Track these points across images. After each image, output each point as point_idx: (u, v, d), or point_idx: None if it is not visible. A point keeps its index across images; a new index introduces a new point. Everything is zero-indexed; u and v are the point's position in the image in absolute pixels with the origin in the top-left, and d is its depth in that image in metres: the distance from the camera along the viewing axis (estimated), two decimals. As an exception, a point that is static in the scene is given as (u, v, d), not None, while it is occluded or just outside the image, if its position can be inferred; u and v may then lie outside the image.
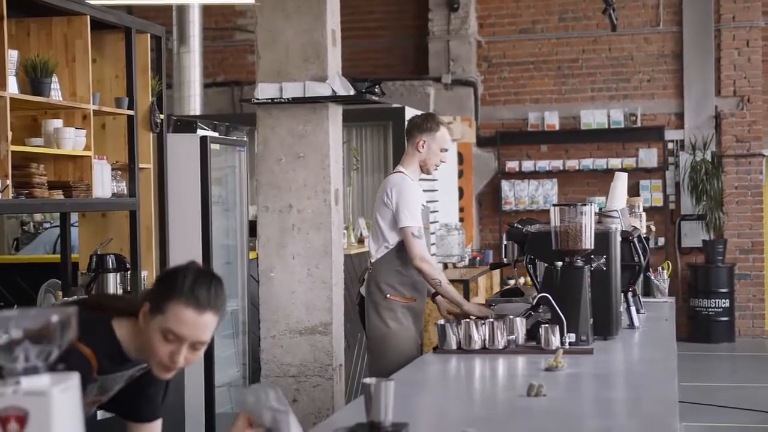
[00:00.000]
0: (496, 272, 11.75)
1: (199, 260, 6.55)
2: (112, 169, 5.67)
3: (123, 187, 5.76)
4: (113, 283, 5.59)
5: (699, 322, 12.79)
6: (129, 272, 5.76)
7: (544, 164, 13.34)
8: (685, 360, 11.14)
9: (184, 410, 6.13)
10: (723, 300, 12.71)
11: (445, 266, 10.55)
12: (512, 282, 12.39)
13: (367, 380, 2.79)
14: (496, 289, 10.71)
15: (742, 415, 8.69)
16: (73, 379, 1.81)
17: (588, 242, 4.51)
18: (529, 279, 12.19)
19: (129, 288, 5.78)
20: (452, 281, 9.19)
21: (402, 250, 5.35)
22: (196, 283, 2.65)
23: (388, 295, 5.37)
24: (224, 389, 6.99)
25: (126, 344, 2.76)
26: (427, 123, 5.52)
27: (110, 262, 5.61)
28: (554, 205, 4.60)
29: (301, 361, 5.92)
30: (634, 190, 12.75)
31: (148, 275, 6.04)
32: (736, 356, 12.20)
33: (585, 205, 4.54)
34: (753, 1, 12.99)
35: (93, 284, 5.57)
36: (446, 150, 5.56)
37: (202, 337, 2.65)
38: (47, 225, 9.22)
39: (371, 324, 5.43)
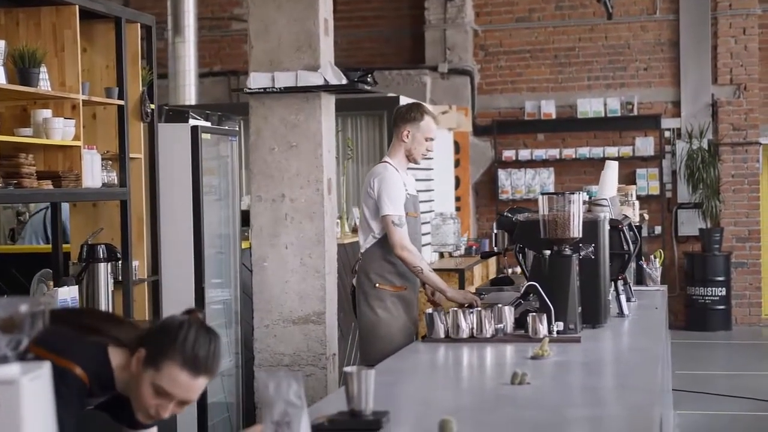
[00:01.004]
0: (492, 261, 11.76)
1: (191, 250, 6.57)
2: (103, 159, 5.67)
3: (114, 177, 5.75)
4: (104, 273, 5.59)
5: (696, 311, 12.80)
6: (120, 262, 5.77)
7: (540, 153, 13.34)
8: (682, 348, 11.17)
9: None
10: (720, 288, 12.71)
11: (441, 255, 10.57)
12: (509, 271, 12.42)
13: (348, 369, 2.80)
14: (492, 278, 10.71)
15: (738, 403, 8.70)
16: (44, 368, 1.82)
17: (576, 231, 4.52)
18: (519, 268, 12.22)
19: (120, 278, 5.78)
20: (447, 270, 9.27)
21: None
22: (196, 343, 2.65)
23: (377, 285, 5.40)
24: (217, 379, 7.00)
25: (117, 375, 2.73)
26: (411, 113, 5.54)
27: (101, 252, 5.61)
28: (542, 194, 4.60)
29: (295, 350, 5.92)
30: (630, 179, 12.75)
31: (139, 265, 6.05)
32: (732, 344, 12.21)
33: (573, 193, 4.55)
34: (750, -11, 12.97)
35: (84, 274, 5.57)
36: (431, 139, 5.56)
37: (193, 398, 2.67)
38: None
39: (361, 313, 5.47)
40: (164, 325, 2.74)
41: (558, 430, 2.91)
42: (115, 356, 2.72)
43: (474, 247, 11.39)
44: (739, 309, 13.04)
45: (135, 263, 5.97)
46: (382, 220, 5.36)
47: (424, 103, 5.79)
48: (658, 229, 13.01)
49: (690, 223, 13.05)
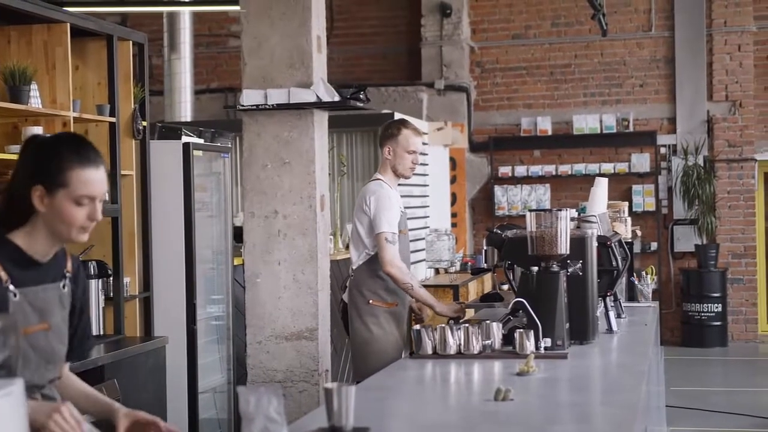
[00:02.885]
0: (488, 277, 11.76)
1: (183, 266, 6.59)
2: (95, 176, 5.68)
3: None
4: (95, 290, 5.60)
5: (692, 327, 12.80)
6: (111, 278, 5.78)
7: (536, 169, 13.36)
8: (678, 364, 11.18)
9: (166, 416, 6.13)
10: (716, 304, 12.71)
11: (437, 271, 10.57)
12: (505, 287, 12.41)
13: (328, 385, 2.81)
14: (483, 294, 10.71)
15: (734, 420, 8.69)
16: (16, 384, 1.83)
17: (563, 247, 4.52)
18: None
19: (111, 294, 5.79)
20: (442, 286, 9.27)
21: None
22: (77, 144, 2.80)
23: (370, 301, 5.45)
24: (209, 395, 7.00)
25: (29, 249, 2.80)
26: (388, 130, 5.68)
27: (92, 268, 5.62)
28: (530, 211, 4.62)
29: (287, 366, 5.93)
30: (626, 195, 12.78)
31: (130, 281, 6.06)
32: (728, 361, 12.20)
33: (561, 210, 4.56)
34: (744, 6, 13.01)
35: (75, 290, 5.58)
36: (413, 152, 5.62)
37: (105, 187, 2.83)
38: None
39: (354, 329, 5.50)
40: (36, 153, 2.80)
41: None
42: (16, 237, 2.79)
43: (470, 263, 11.40)
44: (735, 325, 13.04)
45: (126, 280, 5.99)
46: (376, 237, 5.41)
47: (406, 118, 5.85)
48: (654, 245, 13.02)
49: (686, 239, 13.05)
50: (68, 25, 5.40)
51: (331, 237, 7.36)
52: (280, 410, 2.62)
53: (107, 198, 5.78)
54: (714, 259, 12.77)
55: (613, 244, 5.20)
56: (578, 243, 4.68)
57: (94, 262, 5.64)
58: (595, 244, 4.85)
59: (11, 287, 2.76)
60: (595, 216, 5.28)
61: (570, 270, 4.60)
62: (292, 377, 5.93)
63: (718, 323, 12.75)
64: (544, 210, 4.60)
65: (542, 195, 13.35)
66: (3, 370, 2.25)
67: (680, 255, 13.20)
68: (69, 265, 2.95)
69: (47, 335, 2.84)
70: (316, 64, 6.22)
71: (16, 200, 2.80)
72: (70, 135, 2.90)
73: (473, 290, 10.28)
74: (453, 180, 12.79)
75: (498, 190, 13.43)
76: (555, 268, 4.54)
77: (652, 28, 13.27)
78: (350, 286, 5.58)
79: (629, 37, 13.32)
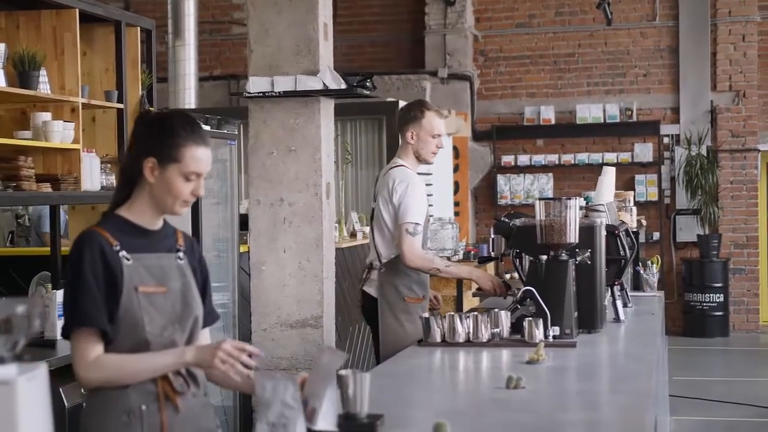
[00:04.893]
0: (491, 266, 11.77)
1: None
2: (102, 162, 5.68)
3: (112, 180, 5.77)
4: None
5: (693, 317, 12.81)
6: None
7: (539, 158, 13.36)
8: (680, 354, 11.19)
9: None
10: (717, 294, 12.73)
11: (440, 260, 10.57)
12: (508, 276, 12.42)
13: (343, 372, 2.81)
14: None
15: (735, 409, 8.71)
16: (40, 368, 1.84)
17: (572, 236, 4.53)
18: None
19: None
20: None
21: None
22: (191, 124, 2.97)
23: (405, 298, 5.26)
24: (214, 382, 7.00)
25: (135, 219, 2.98)
26: (411, 112, 5.41)
27: (100, 254, 5.61)
28: (539, 199, 4.61)
29: (292, 354, 5.93)
30: (629, 185, 12.77)
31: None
32: (730, 351, 12.22)
33: (570, 199, 4.56)
34: (749, -4, 13.00)
35: (83, 277, 5.58)
36: (438, 135, 5.40)
37: (210, 166, 2.99)
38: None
39: (387, 327, 5.29)
40: (154, 127, 2.99)
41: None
42: (123, 211, 2.97)
43: (473, 252, 11.40)
44: (737, 315, 13.06)
45: (134, 266, 5.98)
46: (397, 226, 5.20)
47: (425, 100, 5.67)
48: (656, 235, 13.03)
49: (688, 229, 13.06)
50: (77, 10, 5.39)
51: (336, 225, 7.36)
52: (297, 396, 2.64)
53: (115, 184, 5.78)
54: (716, 249, 12.78)
55: (620, 233, 5.21)
56: (587, 232, 4.68)
57: (101, 249, 5.63)
58: (603, 233, 4.85)
59: (123, 253, 2.91)
60: (603, 205, 5.28)
61: (579, 259, 4.60)
62: (297, 365, 5.94)
63: (720, 313, 12.77)
64: (554, 199, 4.60)
65: (545, 184, 13.35)
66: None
67: (682, 245, 13.20)
68: (181, 240, 3.09)
69: (166, 298, 2.97)
70: (322, 52, 6.21)
71: (127, 172, 3.00)
72: (182, 113, 3.11)
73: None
74: (456, 169, 12.79)
75: (501, 179, 13.43)
76: (564, 256, 4.54)
77: (656, 18, 13.25)
78: (381, 280, 5.32)
79: (633, 27, 13.31)
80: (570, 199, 4.56)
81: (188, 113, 3.16)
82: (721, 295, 12.74)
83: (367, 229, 8.72)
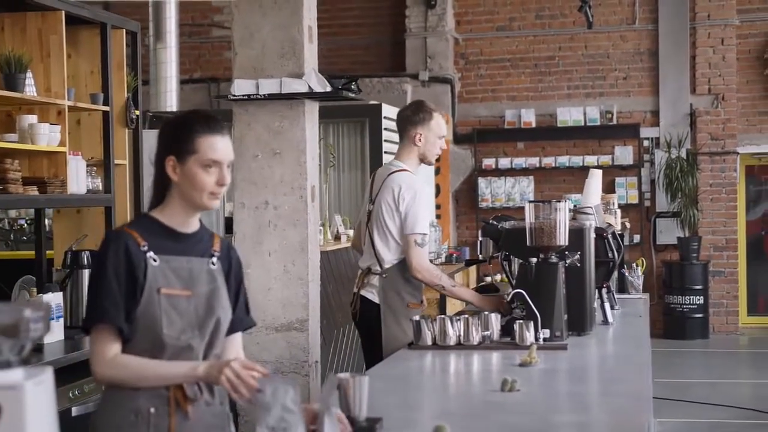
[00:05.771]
0: (473, 269, 11.80)
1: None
2: (88, 165, 5.65)
3: (98, 183, 5.74)
4: (87, 280, 5.55)
5: (674, 319, 12.87)
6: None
7: (520, 161, 13.39)
8: (660, 356, 11.21)
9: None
10: (697, 297, 12.79)
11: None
12: (488, 279, 12.45)
13: (342, 375, 2.80)
14: (473, 285, 10.73)
15: (716, 411, 8.75)
16: (47, 373, 1.82)
17: (562, 238, 4.53)
18: (504, 275, 12.22)
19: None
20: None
21: None
22: (205, 117, 3.02)
23: (409, 304, 5.17)
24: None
25: (167, 221, 3.00)
26: (419, 114, 5.24)
27: (85, 258, 5.57)
28: (529, 202, 4.62)
29: (277, 357, 5.92)
30: (609, 188, 12.81)
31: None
32: (710, 352, 12.28)
33: (560, 201, 4.56)
34: (728, 0, 13.06)
35: (68, 280, 5.54)
36: (443, 137, 5.30)
37: (231, 156, 3.02)
38: (22, 221, 9.18)
39: (390, 333, 5.16)
40: (168, 128, 3.04)
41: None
42: (154, 213, 3.00)
43: (455, 255, 11.41)
44: (717, 317, 13.12)
45: (119, 270, 5.94)
46: (405, 237, 5.07)
47: (424, 101, 5.57)
48: (636, 238, 13.08)
49: (668, 232, 13.12)
50: (63, 12, 5.35)
51: (320, 228, 7.34)
52: (296, 400, 2.63)
53: (101, 188, 5.76)
54: (696, 252, 12.84)
55: (608, 236, 5.22)
56: (576, 234, 4.69)
57: (87, 252, 5.60)
58: (593, 235, 4.86)
59: (151, 253, 2.93)
60: (591, 207, 5.29)
61: (568, 261, 4.60)
62: (282, 368, 5.92)
63: (700, 315, 12.83)
64: (543, 201, 4.60)
65: (526, 187, 13.38)
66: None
67: (662, 247, 13.26)
68: (217, 245, 3.10)
69: (190, 302, 2.97)
70: (307, 54, 6.21)
71: (156, 178, 3.03)
72: (197, 110, 3.16)
73: (459, 282, 10.29)
74: (437, 171, 12.80)
75: (482, 182, 13.45)
76: (554, 259, 4.55)
77: (635, 21, 13.31)
78: (384, 286, 5.19)
79: (613, 30, 13.36)
80: (560, 201, 4.57)
81: (204, 110, 3.23)
82: (701, 297, 12.80)
83: (351, 232, 8.73)
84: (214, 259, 3.06)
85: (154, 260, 2.93)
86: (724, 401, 9.02)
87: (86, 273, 5.58)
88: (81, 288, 5.56)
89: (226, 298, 3.07)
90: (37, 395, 1.78)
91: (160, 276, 2.93)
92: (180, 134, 2.98)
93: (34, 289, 5.63)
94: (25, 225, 9.33)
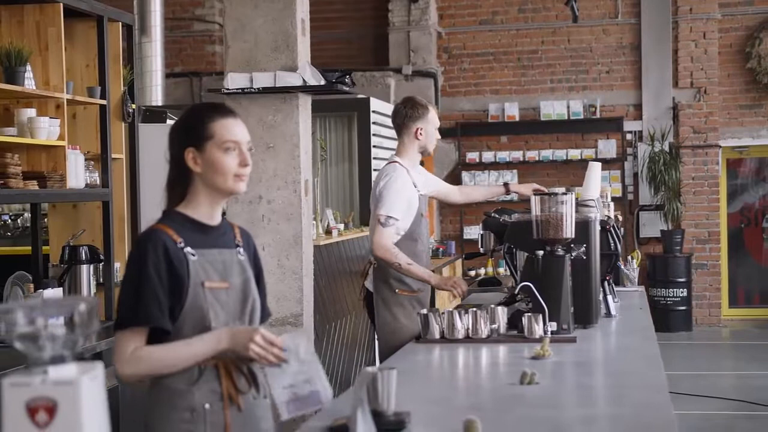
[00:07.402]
0: (458, 263, 11.80)
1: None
2: (85, 159, 5.60)
3: (96, 177, 5.69)
4: (86, 275, 5.52)
5: (657, 312, 12.87)
6: (102, 264, 5.69)
7: (504, 155, 13.39)
8: (645, 349, 11.26)
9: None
10: (681, 289, 12.85)
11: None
12: (472, 273, 12.45)
13: (371, 369, 2.78)
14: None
15: (700, 402, 8.80)
16: (98, 368, 1.79)
17: (568, 231, 4.53)
18: (491, 269, 12.21)
19: (102, 280, 5.71)
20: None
21: (406, 244, 5.29)
22: (213, 105, 3.05)
23: (397, 290, 5.32)
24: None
25: (194, 215, 2.99)
26: (417, 110, 5.49)
27: (83, 253, 5.53)
28: (535, 194, 4.61)
29: (272, 352, 5.88)
30: (593, 181, 12.82)
31: (121, 267, 5.98)
32: (693, 345, 12.34)
33: (565, 194, 4.56)
34: (710, -7, 13.13)
35: (66, 276, 5.50)
36: (437, 126, 5.63)
37: (248, 136, 3.02)
38: (6, 218, 9.11)
39: (381, 320, 5.35)
40: (182, 124, 3.03)
41: (583, 428, 2.92)
42: (182, 208, 2.98)
43: (441, 249, 11.41)
44: (700, 310, 13.19)
45: (117, 265, 5.91)
46: (372, 216, 5.30)
47: (414, 96, 5.76)
48: (620, 231, 13.10)
49: (651, 225, 13.17)
50: (61, 5, 5.29)
51: (313, 222, 7.31)
52: (309, 349, 2.71)
53: (98, 182, 5.70)
54: (679, 245, 12.90)
55: (611, 228, 5.22)
56: (582, 227, 4.69)
57: (85, 247, 5.56)
58: (598, 227, 4.86)
59: (188, 249, 2.92)
60: (593, 200, 5.30)
61: (574, 254, 4.60)
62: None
63: (683, 308, 12.89)
64: (549, 194, 4.59)
65: (510, 181, 13.37)
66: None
67: (646, 240, 13.31)
68: (239, 236, 3.10)
69: (228, 294, 2.96)
70: (300, 48, 6.19)
71: (175, 173, 3.00)
72: (201, 102, 3.25)
73: (446, 275, 10.30)
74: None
75: (466, 176, 13.45)
76: (560, 251, 4.54)
77: (618, 15, 13.33)
78: (374, 275, 5.38)
79: (596, 24, 13.38)
80: (566, 194, 4.56)
81: (210, 101, 3.24)
82: (685, 290, 12.86)
83: (342, 226, 8.73)
84: (241, 250, 3.06)
85: (192, 255, 2.92)
86: (707, 393, 9.08)
87: (84, 268, 5.55)
88: (79, 283, 5.52)
89: (256, 288, 3.07)
90: (91, 390, 1.76)
91: (201, 270, 2.92)
92: (193, 124, 2.98)
93: (31, 285, 5.59)
94: (9, 221, 9.25)
